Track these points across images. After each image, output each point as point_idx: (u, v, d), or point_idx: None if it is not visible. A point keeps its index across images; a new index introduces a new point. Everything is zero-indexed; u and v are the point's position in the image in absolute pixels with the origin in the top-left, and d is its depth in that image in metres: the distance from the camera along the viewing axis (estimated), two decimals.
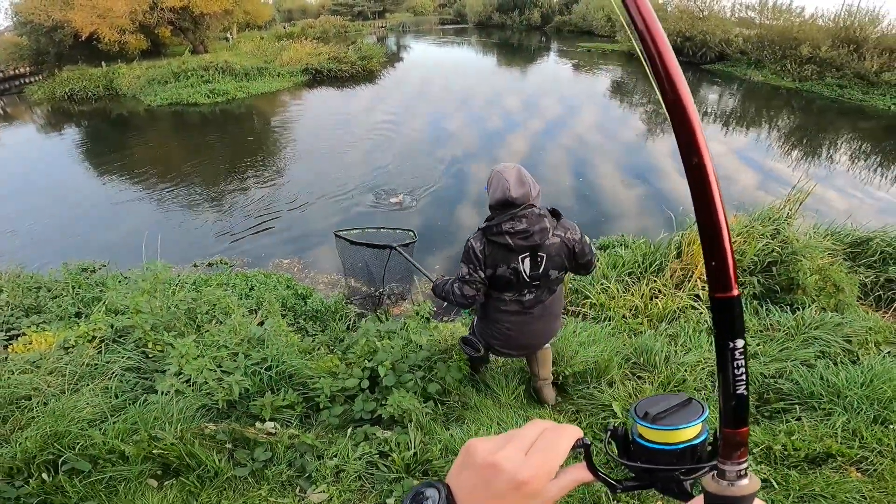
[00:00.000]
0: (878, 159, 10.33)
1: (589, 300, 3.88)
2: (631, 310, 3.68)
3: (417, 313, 4.02)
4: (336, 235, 4.29)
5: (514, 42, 34.46)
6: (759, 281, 3.75)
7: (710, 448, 0.46)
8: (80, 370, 2.86)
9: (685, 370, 2.80)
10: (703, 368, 2.82)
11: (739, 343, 0.42)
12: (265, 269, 5.86)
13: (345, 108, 14.88)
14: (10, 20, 20.24)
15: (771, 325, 3.33)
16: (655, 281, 3.84)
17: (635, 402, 0.48)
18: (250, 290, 4.93)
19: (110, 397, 2.66)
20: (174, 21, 19.94)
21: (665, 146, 10.59)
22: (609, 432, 0.50)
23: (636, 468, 0.47)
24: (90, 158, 11.43)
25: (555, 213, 2.09)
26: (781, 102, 15.39)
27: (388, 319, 4.02)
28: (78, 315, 4.54)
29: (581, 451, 0.47)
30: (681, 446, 0.45)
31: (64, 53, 20.42)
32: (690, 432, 0.45)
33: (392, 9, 52.62)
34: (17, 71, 23.38)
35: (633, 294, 3.79)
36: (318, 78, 17.83)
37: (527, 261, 2.05)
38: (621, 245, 5.61)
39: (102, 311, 4.14)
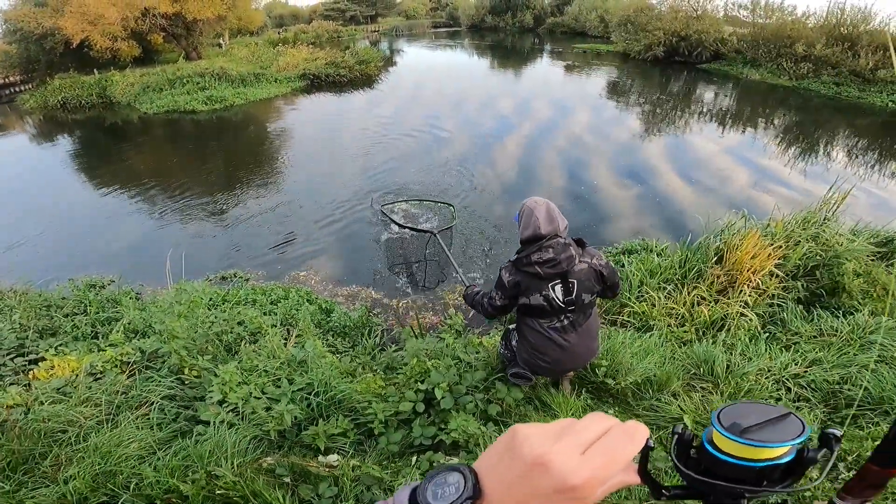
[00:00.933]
0: (875, 156, 10.41)
1: (628, 308, 3.77)
2: (675, 318, 3.58)
3: (451, 327, 3.89)
4: (381, 211, 4.64)
5: (507, 44, 34.45)
6: (802, 285, 3.67)
7: (783, 469, 0.41)
8: (116, 399, 2.70)
9: (750, 380, 2.70)
10: (769, 377, 2.72)
11: None
12: (282, 281, 5.70)
13: (345, 112, 14.72)
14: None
15: (825, 330, 3.24)
16: (697, 287, 3.74)
17: (719, 408, 0.43)
18: (273, 304, 4.77)
19: (153, 429, 2.51)
20: (167, 27, 19.64)
21: (659, 147, 10.59)
22: (676, 436, 0.45)
23: (692, 478, 0.43)
24: (86, 170, 11.16)
25: (580, 243, 2.27)
26: (778, 101, 15.48)
27: (423, 335, 3.88)
28: (95, 336, 4.36)
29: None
30: (761, 465, 0.40)
31: (55, 61, 20.07)
32: (779, 451, 0.40)
33: (384, 13, 52.51)
34: (7, 79, 22.97)
35: (674, 302, 3.69)
36: (315, 83, 17.65)
37: (558, 287, 2.22)
38: (645, 249, 5.53)
39: (121, 332, 3.98)
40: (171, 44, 21.50)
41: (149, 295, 5.58)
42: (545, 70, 22.55)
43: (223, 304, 4.89)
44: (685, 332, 3.46)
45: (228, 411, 2.49)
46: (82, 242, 7.27)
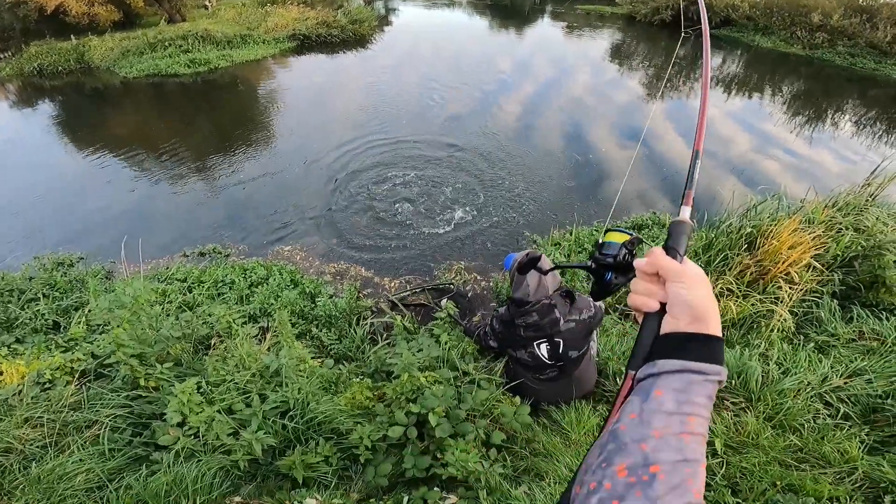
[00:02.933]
0: (884, 126, 9.97)
1: None
2: None
3: (443, 321, 3.51)
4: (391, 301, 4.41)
5: (506, 3, 32.83)
6: (839, 279, 3.28)
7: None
8: (62, 416, 2.33)
9: (789, 397, 2.35)
10: (813, 395, 2.37)
11: None
12: (265, 257, 5.27)
13: (340, 73, 13.92)
14: None
15: (866, 333, 2.87)
16: (722, 277, 3.35)
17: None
18: (251, 287, 4.36)
19: (104, 455, 2.14)
20: None
21: (661, 108, 10.08)
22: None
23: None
24: (61, 135, 10.44)
25: (569, 295, 2.23)
26: (789, 69, 14.77)
27: (416, 329, 3.50)
28: (56, 327, 3.96)
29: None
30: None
31: (30, 28, 18.89)
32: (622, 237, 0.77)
33: None
34: None
35: None
36: (306, 44, 16.61)
37: (543, 346, 2.22)
38: (657, 224, 5.12)
39: (83, 324, 3.58)
40: (153, 7, 20.17)
41: (121, 273, 5.16)
42: (545, 31, 21.47)
43: (199, 285, 4.50)
44: None
45: (190, 435, 2.12)
46: (57, 213, 6.75)
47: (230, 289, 4.39)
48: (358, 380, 2.67)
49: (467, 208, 6.06)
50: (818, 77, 13.99)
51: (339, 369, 2.86)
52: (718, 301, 3.28)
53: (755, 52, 16.92)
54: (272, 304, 3.74)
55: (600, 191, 6.53)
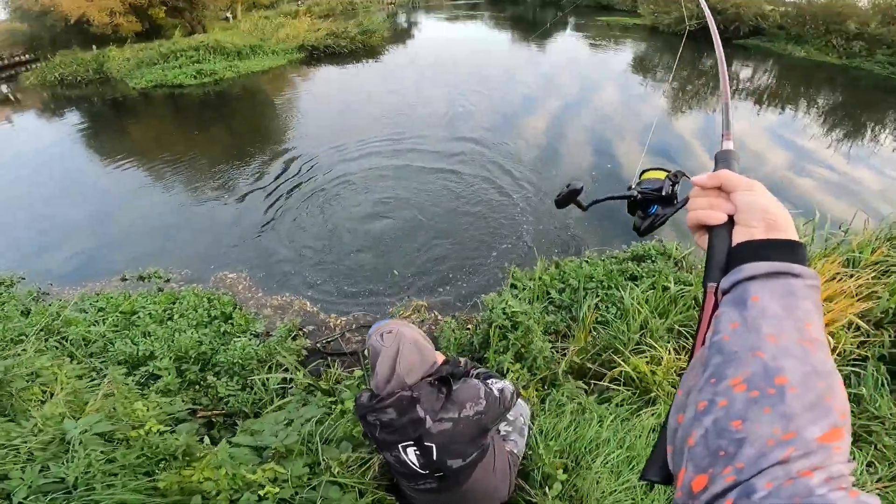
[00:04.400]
0: None
1: (618, 368, 2.59)
2: None
3: (355, 379, 2.78)
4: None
5: (528, 17, 32.37)
6: (891, 339, 2.41)
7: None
8: None
9: None
10: None
11: None
12: (206, 283, 4.67)
13: (346, 87, 13.49)
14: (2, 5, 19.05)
15: None
16: None
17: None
18: (160, 324, 3.73)
19: None
20: (167, 1, 18.56)
21: (691, 124, 9.21)
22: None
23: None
24: (63, 144, 10.27)
25: (445, 383, 1.49)
26: (824, 79, 13.61)
27: (332, 392, 2.77)
28: None
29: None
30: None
31: (58, 38, 19.38)
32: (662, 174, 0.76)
33: None
34: (15, 58, 22.44)
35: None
36: (315, 55, 16.37)
37: (410, 450, 1.52)
38: (662, 255, 4.27)
39: None
40: (174, 18, 20.45)
41: (55, 295, 4.66)
42: (568, 44, 20.73)
43: (113, 312, 3.92)
44: None
45: None
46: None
47: (128, 326, 3.77)
48: (229, 452, 1.99)
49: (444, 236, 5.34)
50: (856, 88, 12.82)
51: (201, 437, 2.18)
52: None
53: (787, 61, 15.78)
54: (162, 346, 3.08)
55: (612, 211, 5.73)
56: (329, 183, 6.71)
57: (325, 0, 28.62)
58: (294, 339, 3.79)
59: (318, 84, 14.04)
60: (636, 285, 3.53)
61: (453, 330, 2.99)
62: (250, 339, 3.40)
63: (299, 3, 33.14)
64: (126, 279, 4.83)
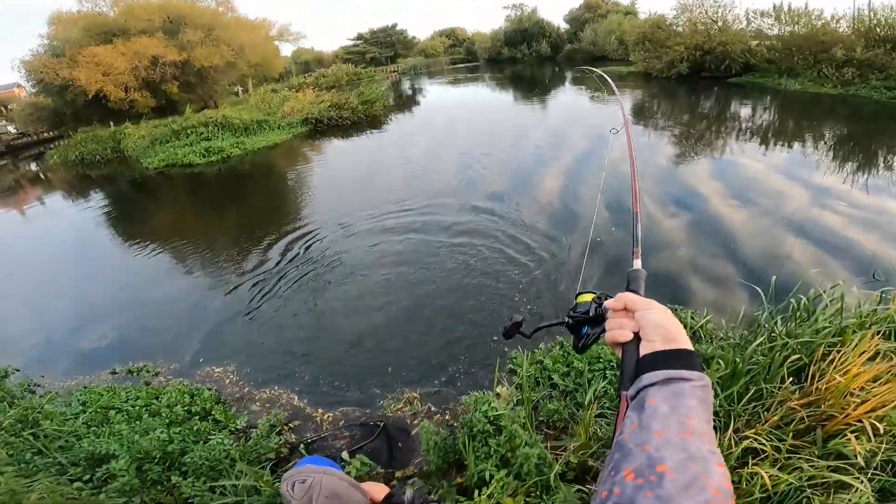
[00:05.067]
0: None
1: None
2: None
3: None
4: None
5: (526, 75, 33.67)
6: None
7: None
8: None
9: None
10: None
11: None
12: (193, 377, 4.42)
13: (352, 159, 13.70)
14: (24, 79, 20.42)
15: None
16: (755, 425, 2.15)
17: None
18: (130, 421, 3.48)
19: None
20: (178, 76, 19.77)
21: (699, 170, 9.03)
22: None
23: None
24: (97, 229, 10.52)
25: None
26: (824, 111, 13.48)
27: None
28: None
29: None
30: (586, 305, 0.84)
31: (80, 113, 20.46)
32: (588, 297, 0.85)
33: (403, 53, 53.40)
34: (41, 135, 23.84)
35: None
36: (319, 128, 16.95)
37: None
38: (687, 326, 3.88)
39: None
40: (187, 94, 21.71)
41: (47, 388, 4.46)
42: (569, 97, 21.28)
43: (94, 407, 3.68)
44: None
45: None
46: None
47: (103, 422, 3.52)
48: None
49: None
50: (859, 117, 12.64)
51: None
52: (745, 463, 2.06)
53: (784, 96, 15.79)
54: (122, 447, 2.81)
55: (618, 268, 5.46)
56: (329, 267, 6.45)
57: (331, 72, 30.22)
58: (279, 433, 3.48)
59: (325, 157, 14.34)
60: None
61: (434, 434, 2.62)
62: (226, 437, 3.10)
63: (306, 75, 35.24)
64: (115, 373, 4.62)
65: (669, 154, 10.36)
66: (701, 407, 0.53)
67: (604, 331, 0.74)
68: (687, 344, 0.60)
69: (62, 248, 9.25)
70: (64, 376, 4.75)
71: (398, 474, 2.99)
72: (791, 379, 2.21)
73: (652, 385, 0.56)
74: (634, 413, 0.55)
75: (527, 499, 2.25)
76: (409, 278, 5.94)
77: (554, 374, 3.44)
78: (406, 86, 34.78)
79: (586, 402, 2.76)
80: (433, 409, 3.65)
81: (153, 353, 4.93)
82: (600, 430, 2.53)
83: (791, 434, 2.10)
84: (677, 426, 0.50)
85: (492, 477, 2.25)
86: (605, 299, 0.79)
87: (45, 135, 23.90)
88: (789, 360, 2.28)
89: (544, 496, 2.24)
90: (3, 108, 30.31)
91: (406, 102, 22.72)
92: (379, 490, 1.36)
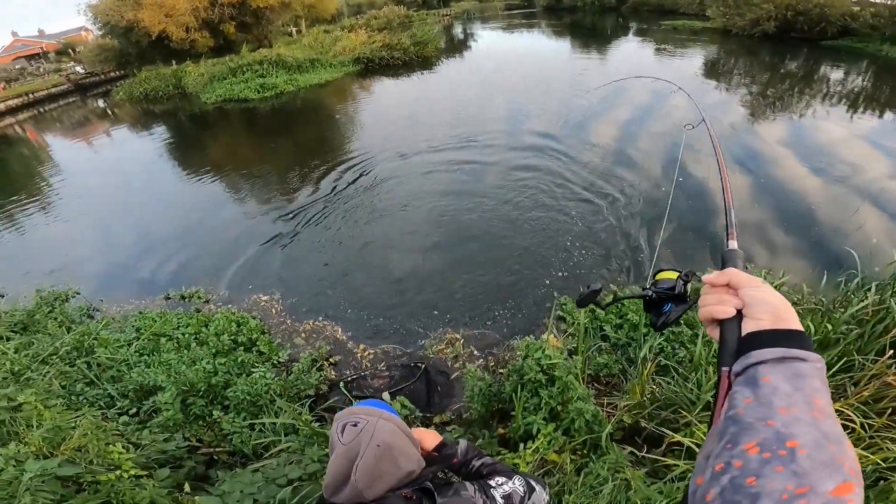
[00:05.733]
0: None
1: (680, 434, 2.06)
2: None
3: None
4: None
5: (587, 24, 31.34)
6: None
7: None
8: None
9: None
10: None
11: None
12: (240, 305, 4.56)
13: (404, 98, 13.43)
14: (91, 23, 20.95)
15: None
16: (840, 398, 1.98)
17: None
18: (180, 350, 3.62)
19: None
20: (235, 17, 19.71)
21: (775, 131, 8.16)
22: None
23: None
24: (161, 158, 10.92)
25: (427, 495, 1.02)
26: None
27: None
28: None
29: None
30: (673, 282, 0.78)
31: (144, 53, 21.00)
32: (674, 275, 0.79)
33: None
34: (107, 75, 24.68)
35: None
36: (370, 67, 16.65)
37: None
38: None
39: None
40: (243, 34, 21.67)
41: (105, 313, 4.72)
42: (631, 49, 19.65)
43: (146, 333, 3.85)
44: None
45: None
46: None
47: (150, 352, 3.65)
48: None
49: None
50: None
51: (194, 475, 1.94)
52: None
53: (884, 62, 13.95)
54: (168, 379, 2.90)
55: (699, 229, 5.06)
56: (379, 199, 6.47)
57: (384, 13, 29.23)
58: (319, 369, 3.55)
59: (375, 95, 14.14)
60: None
61: (478, 379, 2.55)
62: (268, 371, 3.19)
63: (358, 17, 34.28)
64: (169, 297, 4.82)
65: (741, 113, 9.45)
66: (824, 389, 0.51)
67: (690, 308, 0.74)
68: (799, 325, 0.56)
69: (127, 176, 9.67)
70: (121, 301, 4.94)
71: (436, 419, 2.98)
72: (891, 352, 1.99)
73: (763, 363, 0.53)
74: (746, 388, 0.51)
75: (572, 456, 2.18)
76: (460, 214, 5.88)
77: (606, 326, 3.29)
78: (458, 30, 33.34)
79: (640, 358, 2.62)
80: (475, 352, 3.62)
81: (204, 278, 5.13)
82: (658, 390, 2.40)
83: (888, 412, 1.91)
84: (805, 405, 0.47)
85: (539, 431, 2.18)
86: (693, 277, 0.78)
87: (111, 74, 24.66)
88: (884, 330, 2.04)
89: (592, 455, 2.15)
90: (71, 50, 31.52)
91: (457, 47, 21.73)
92: (430, 438, 1.25)
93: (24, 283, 5.26)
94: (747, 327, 0.57)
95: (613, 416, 2.31)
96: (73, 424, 1.98)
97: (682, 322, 3.08)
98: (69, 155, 12.42)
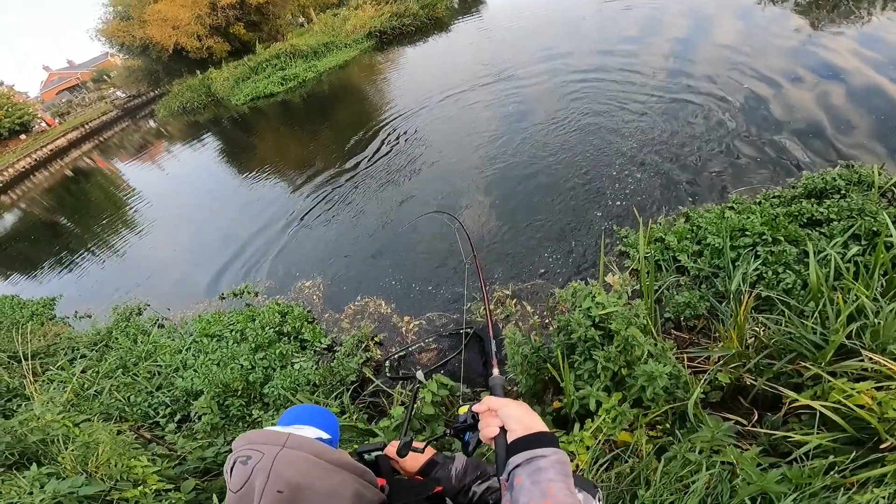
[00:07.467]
0: None
1: (809, 393, 1.43)
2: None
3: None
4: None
5: None
6: None
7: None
8: None
9: None
10: None
11: None
12: (287, 295, 4.42)
13: (425, 62, 12.66)
14: (108, 47, 21.48)
15: None
16: None
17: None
18: (235, 344, 3.43)
19: None
20: (241, 17, 19.52)
21: (840, 42, 6.37)
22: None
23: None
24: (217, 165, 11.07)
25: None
26: None
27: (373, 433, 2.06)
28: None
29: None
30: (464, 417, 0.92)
31: (170, 68, 21.42)
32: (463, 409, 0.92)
33: None
34: (145, 95, 25.56)
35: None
36: (384, 39, 15.91)
37: None
38: (857, 184, 2.79)
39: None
40: (254, 33, 21.46)
41: (171, 320, 4.74)
42: None
43: (202, 337, 3.73)
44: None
45: None
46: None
47: (196, 353, 3.52)
48: None
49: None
50: None
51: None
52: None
53: None
54: (205, 382, 2.67)
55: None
56: (422, 162, 6.25)
57: None
58: (365, 350, 3.26)
59: (396, 65, 13.30)
60: (823, 234, 2.23)
61: (520, 344, 2.00)
62: (309, 359, 2.92)
63: None
64: (224, 297, 4.80)
65: (798, 25, 7.51)
66: (560, 477, 0.68)
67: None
68: (542, 428, 0.76)
69: (192, 186, 9.84)
70: (185, 307, 4.97)
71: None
72: None
73: (518, 466, 0.70)
74: (508, 493, 0.69)
75: (650, 433, 1.60)
76: (505, 161, 5.48)
77: (680, 255, 2.63)
78: None
79: (733, 292, 1.97)
80: (528, 308, 3.12)
81: (254, 273, 5.11)
82: (764, 332, 1.75)
83: None
84: (539, 495, 0.64)
85: (599, 405, 1.63)
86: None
87: (151, 94, 25.52)
88: None
89: (677, 431, 1.56)
90: (106, 76, 32.87)
91: (472, 3, 20.07)
92: (414, 456, 1.07)
93: (116, 300, 5.55)
94: (509, 438, 0.75)
95: (704, 374, 1.71)
96: (99, 440, 1.78)
97: (780, 239, 2.37)
98: (139, 175, 12.92)
